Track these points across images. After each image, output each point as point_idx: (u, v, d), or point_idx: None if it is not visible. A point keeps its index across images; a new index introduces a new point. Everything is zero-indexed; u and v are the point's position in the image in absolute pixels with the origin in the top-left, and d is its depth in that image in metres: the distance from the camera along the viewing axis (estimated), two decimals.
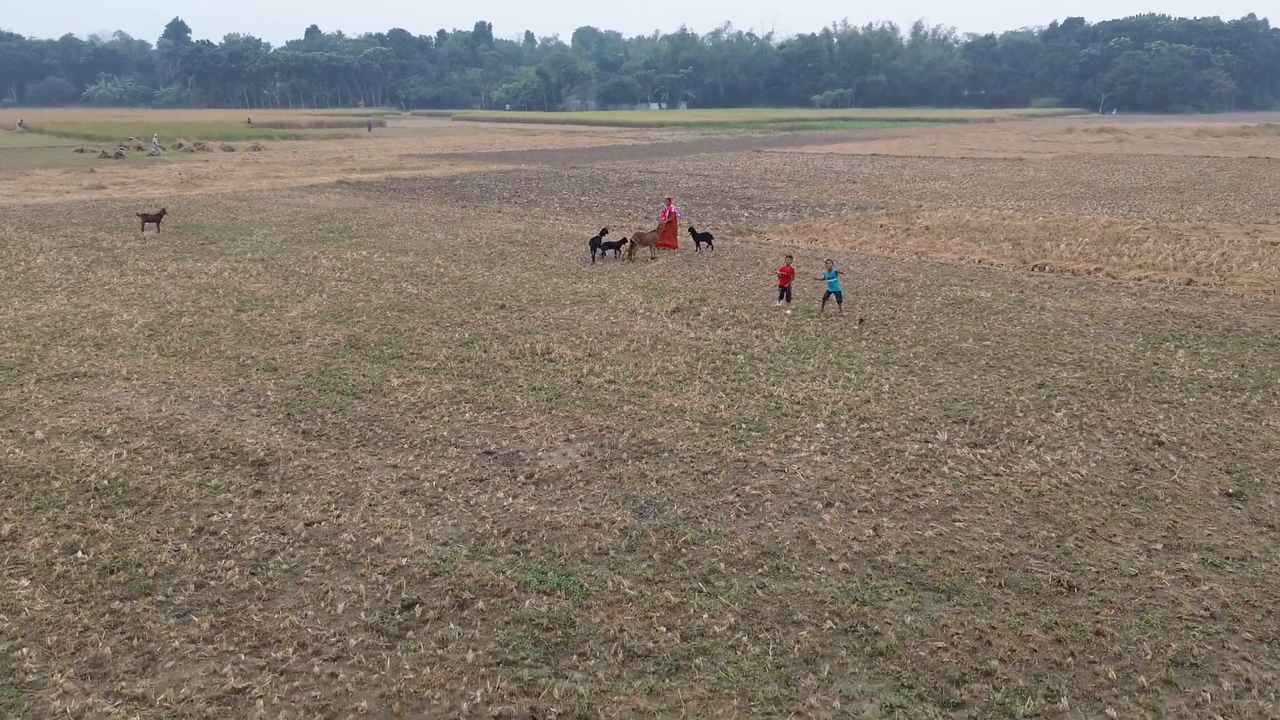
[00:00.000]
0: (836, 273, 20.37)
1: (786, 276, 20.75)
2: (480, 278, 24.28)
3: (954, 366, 16.44)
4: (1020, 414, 14.00)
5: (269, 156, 68.21)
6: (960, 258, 26.99)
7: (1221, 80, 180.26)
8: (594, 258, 26.76)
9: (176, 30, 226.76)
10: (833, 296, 20.31)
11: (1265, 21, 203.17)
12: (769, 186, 47.27)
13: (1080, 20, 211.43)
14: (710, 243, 28.54)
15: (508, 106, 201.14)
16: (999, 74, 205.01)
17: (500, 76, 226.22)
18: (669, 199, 30.49)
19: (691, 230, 28.75)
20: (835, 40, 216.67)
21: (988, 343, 17.90)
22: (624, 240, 27.74)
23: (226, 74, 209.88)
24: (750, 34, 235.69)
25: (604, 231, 27.86)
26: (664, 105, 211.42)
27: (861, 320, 19.61)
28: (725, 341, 18.06)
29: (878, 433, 13.22)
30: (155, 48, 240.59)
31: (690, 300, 21.53)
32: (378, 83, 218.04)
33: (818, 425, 13.50)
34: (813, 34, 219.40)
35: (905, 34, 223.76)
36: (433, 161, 64.96)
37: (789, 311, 20.29)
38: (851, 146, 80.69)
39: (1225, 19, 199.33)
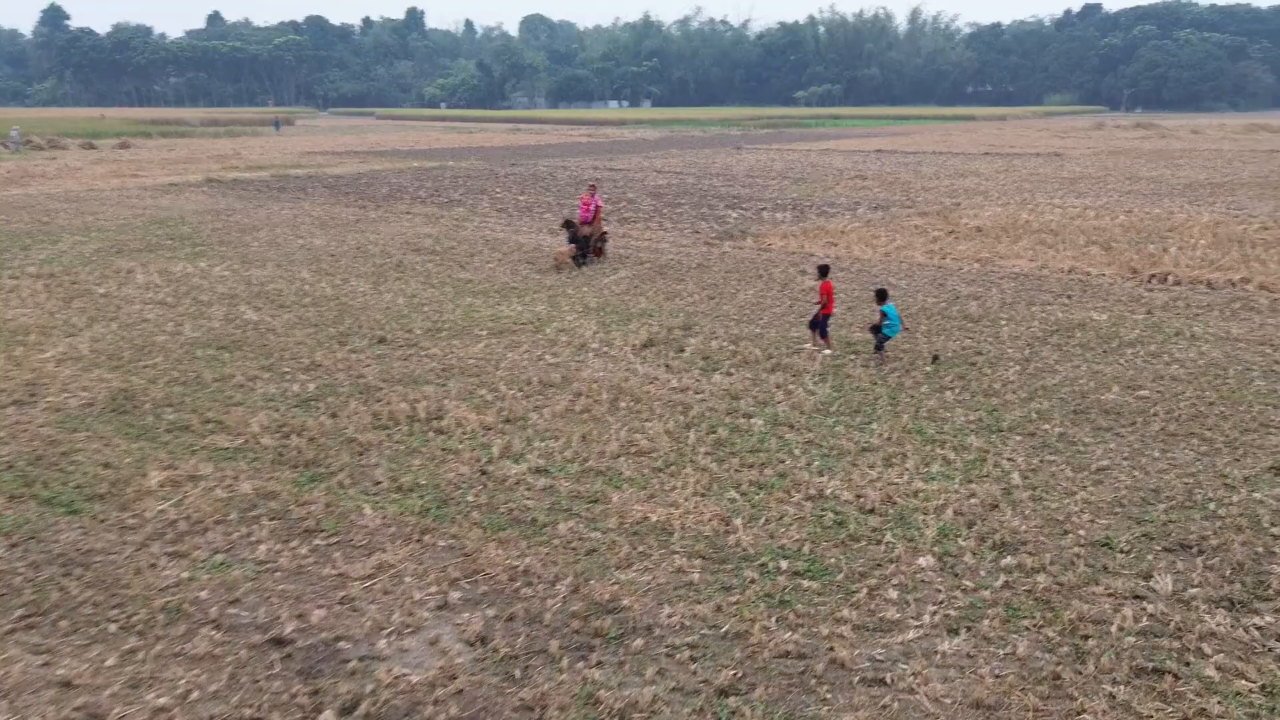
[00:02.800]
0: (893, 309, 14.86)
1: (828, 297, 15.23)
2: (360, 298, 18.88)
3: (1111, 434, 11.24)
4: (1276, 527, 8.80)
5: (136, 154, 62.29)
6: (1040, 265, 22.01)
7: (1260, 74, 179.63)
8: (580, 259, 22.96)
9: (53, 17, 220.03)
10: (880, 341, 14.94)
11: None
12: (759, 185, 42.36)
13: (1098, 7, 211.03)
14: (601, 248, 23.42)
15: (443, 105, 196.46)
16: (1008, 67, 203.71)
17: (435, 71, 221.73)
18: (591, 185, 25.06)
19: (568, 224, 23.27)
20: (821, 29, 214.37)
21: (1144, 393, 12.74)
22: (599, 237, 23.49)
23: (111, 67, 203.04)
24: (724, 22, 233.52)
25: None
26: (625, 103, 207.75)
27: (935, 357, 14.40)
28: (729, 394, 12.77)
29: (1037, 575, 7.93)
30: (30, 37, 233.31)
31: (668, 329, 16.25)
32: (291, 77, 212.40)
33: (921, 560, 8.19)
34: (796, 22, 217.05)
35: (901, 22, 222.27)
36: (339, 158, 59.64)
37: (828, 352, 14.97)
38: (850, 143, 76.49)
39: (1262, 4, 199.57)
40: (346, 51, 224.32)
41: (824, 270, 15.65)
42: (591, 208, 23.76)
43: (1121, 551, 8.36)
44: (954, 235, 26.77)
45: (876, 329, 14.72)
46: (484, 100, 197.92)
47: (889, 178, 44.55)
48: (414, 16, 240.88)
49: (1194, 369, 13.86)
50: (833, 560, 8.21)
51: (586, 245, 23.07)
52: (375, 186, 41.79)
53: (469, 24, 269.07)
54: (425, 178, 46.13)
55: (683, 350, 14.99)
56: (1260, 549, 8.39)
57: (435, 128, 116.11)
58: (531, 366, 14.12)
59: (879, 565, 8.14)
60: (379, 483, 9.86)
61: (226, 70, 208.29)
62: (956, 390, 12.92)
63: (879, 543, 8.53)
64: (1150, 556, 8.27)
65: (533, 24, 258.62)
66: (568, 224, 23.40)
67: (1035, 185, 40.66)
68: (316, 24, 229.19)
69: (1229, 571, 8.02)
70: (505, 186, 41.87)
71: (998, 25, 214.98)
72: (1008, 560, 8.19)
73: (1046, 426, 11.48)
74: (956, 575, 7.97)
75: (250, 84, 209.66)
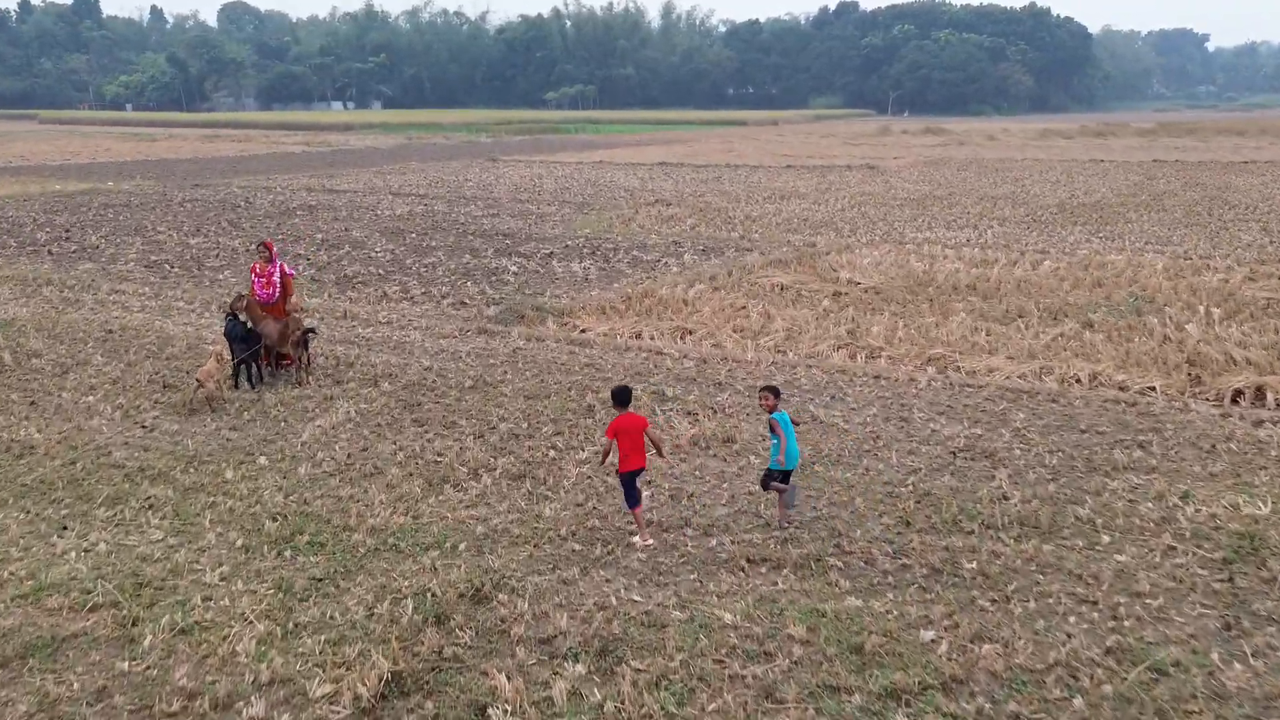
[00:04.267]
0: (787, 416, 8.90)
1: (631, 443, 8.31)
2: None
3: None
4: None
5: None
6: (1038, 369, 14.69)
7: (1020, 75, 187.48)
8: (249, 376, 13.85)
9: None
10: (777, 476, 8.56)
11: (1048, 10, 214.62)
12: (532, 214, 33.99)
13: (855, 5, 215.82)
14: (303, 357, 14.73)
15: (129, 106, 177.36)
16: (769, 67, 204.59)
17: (117, 66, 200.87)
18: (264, 243, 15.49)
19: (233, 314, 14.27)
20: (568, 24, 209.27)
21: None
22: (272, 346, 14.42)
23: None
24: (459, 14, 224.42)
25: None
26: (351, 104, 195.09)
27: None
28: None
29: None
30: None
31: (439, 611, 7.57)
32: None
33: None
34: (539, 15, 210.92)
35: (654, 18, 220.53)
36: None
37: (640, 546, 7.42)
38: (622, 152, 69.38)
39: (1015, 5, 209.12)
40: (3, 42, 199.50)
41: (624, 396, 8.89)
42: (275, 280, 14.69)
43: None
44: (843, 300, 19.43)
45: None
46: (180, 101, 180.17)
47: (694, 201, 37.22)
48: (86, 2, 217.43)
49: None
50: None
51: (262, 354, 14.13)
52: None
53: (156, 11, 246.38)
54: (60, 209, 35.16)
55: (484, 714, 6.38)
56: None
57: (111, 134, 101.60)
58: None
59: None
60: None
61: None
62: None
63: None
64: None
65: (235, 13, 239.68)
66: (232, 314, 14.36)
67: (881, 211, 34.28)
68: None
69: None
70: (175, 222, 31.70)
71: (755, 23, 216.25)
72: None
73: None
74: None
75: None
